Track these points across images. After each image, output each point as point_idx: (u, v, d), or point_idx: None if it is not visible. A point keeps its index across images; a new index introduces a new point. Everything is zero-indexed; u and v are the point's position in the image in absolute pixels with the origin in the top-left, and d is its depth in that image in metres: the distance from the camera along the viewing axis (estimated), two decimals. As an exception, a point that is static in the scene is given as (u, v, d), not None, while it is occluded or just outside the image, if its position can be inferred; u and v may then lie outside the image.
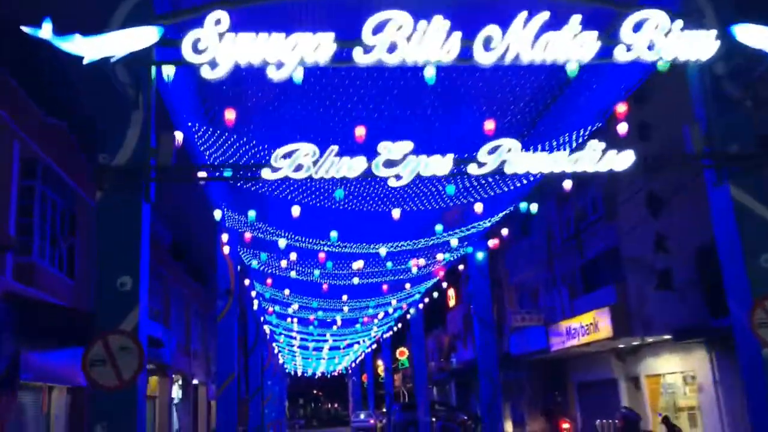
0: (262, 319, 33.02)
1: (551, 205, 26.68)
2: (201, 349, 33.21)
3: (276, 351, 47.38)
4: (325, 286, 21.22)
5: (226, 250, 17.70)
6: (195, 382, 32.00)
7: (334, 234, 14.22)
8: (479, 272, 20.57)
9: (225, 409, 17.61)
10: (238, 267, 18.99)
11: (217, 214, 14.41)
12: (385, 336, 44.17)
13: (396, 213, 12.72)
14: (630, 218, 21.05)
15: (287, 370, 67.57)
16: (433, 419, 32.20)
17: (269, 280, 20.93)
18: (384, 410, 55.69)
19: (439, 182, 12.26)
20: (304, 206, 12.92)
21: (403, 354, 62.27)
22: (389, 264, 19.45)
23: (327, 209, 13.38)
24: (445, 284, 28.62)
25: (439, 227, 15.81)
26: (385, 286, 21.64)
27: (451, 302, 44.91)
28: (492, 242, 18.97)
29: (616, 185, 21.59)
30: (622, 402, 23.66)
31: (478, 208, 13.81)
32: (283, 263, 18.22)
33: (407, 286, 22.68)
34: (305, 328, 32.97)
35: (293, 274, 20.07)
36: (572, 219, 25.17)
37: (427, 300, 31.05)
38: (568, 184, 12.01)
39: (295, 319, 29.05)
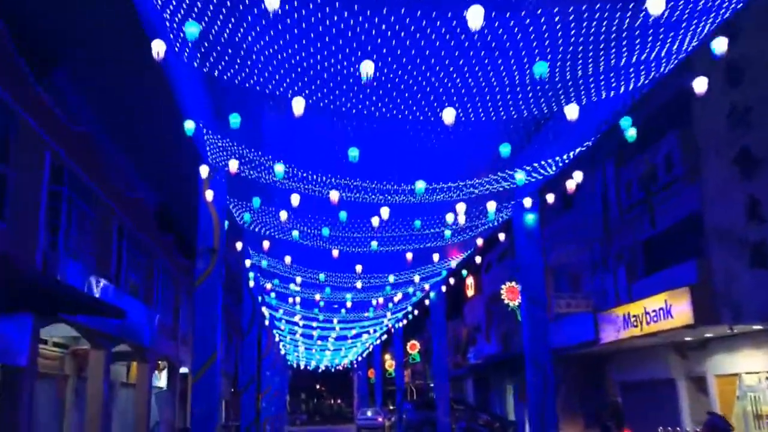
0: (260, 299, 29.03)
1: (609, 167, 22.69)
2: (191, 334, 29.51)
3: (277, 339, 43.54)
4: (335, 252, 17.24)
5: (209, 195, 13.74)
6: (183, 370, 28.30)
7: (353, 153, 10.11)
8: (528, 238, 16.50)
9: (203, 399, 13.62)
10: (226, 222, 15.02)
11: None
12: (397, 326, 40.21)
13: (449, 116, 8.61)
14: (717, 179, 17.05)
15: (289, 362, 64.41)
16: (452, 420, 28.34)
17: (266, 243, 16.99)
18: (392, 407, 52.25)
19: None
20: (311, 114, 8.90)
21: (414, 348, 58.60)
22: (417, 223, 15.46)
23: (343, 124, 9.39)
24: (464, 272, 26.30)
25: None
26: (409, 255, 17.63)
27: (470, 292, 41.30)
28: (549, 197, 14.94)
29: (700, 137, 17.64)
30: (682, 406, 20.33)
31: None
32: (283, 215, 14.25)
33: (435, 257, 18.61)
34: (309, 311, 29.00)
35: (295, 234, 16.11)
36: (635, 183, 21.09)
37: (444, 288, 27.28)
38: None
39: (298, 299, 25.02)
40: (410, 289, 24.00)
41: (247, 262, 20.44)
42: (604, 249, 23.35)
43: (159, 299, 25.13)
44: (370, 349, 56.51)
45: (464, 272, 26.45)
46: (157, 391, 27.21)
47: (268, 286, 23.42)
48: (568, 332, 23.75)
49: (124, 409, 24.34)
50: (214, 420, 13.77)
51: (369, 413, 46.73)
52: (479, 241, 18.42)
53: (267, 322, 35.24)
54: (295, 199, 12.73)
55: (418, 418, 33.90)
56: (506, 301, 29.19)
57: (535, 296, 16.29)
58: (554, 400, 15.88)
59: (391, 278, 20.52)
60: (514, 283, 29.44)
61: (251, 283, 24.71)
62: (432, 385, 57.21)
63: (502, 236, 19.99)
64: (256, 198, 14.09)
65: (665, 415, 20.87)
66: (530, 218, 16.53)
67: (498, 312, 35.57)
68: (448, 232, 16.36)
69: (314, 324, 35.21)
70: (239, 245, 18.09)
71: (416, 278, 21.32)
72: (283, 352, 52.25)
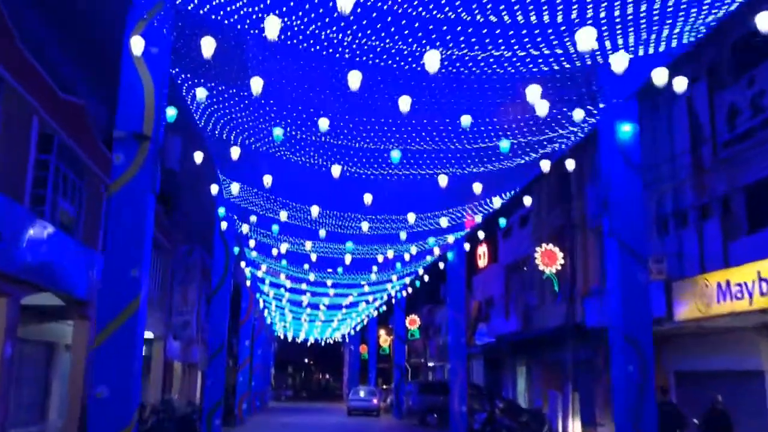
0: (236, 250, 24.03)
1: (698, 92, 17.49)
2: (158, 294, 25.09)
3: (261, 305, 38.55)
4: (335, 171, 11.96)
5: (137, 45, 8.46)
6: (148, 335, 23.32)
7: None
8: (624, 158, 11.28)
9: (115, 369, 8.41)
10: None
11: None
12: (401, 295, 35.70)
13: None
14: None
15: (275, 333, 59.98)
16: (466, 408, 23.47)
17: (235, 151, 11.75)
18: (385, 387, 47.65)
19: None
20: None
21: (413, 323, 53.84)
22: (465, 120, 10.18)
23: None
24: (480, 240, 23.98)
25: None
26: (443, 180, 12.40)
27: (481, 262, 37.51)
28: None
29: None
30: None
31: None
32: (256, 87, 9.02)
33: (477, 188, 13.17)
34: (299, 268, 23.89)
35: (278, 134, 10.84)
36: (743, 108, 15.85)
37: (467, 246, 22.22)
38: None
39: (284, 247, 19.81)
40: (431, 241, 18.65)
41: (214, 188, 15.08)
42: (686, 197, 18.23)
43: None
44: (365, 322, 51.81)
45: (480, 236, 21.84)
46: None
47: (245, 228, 18.13)
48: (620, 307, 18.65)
49: (63, 372, 19.70)
50: (130, 398, 8.54)
51: (362, 393, 40.61)
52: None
53: (249, 283, 30.29)
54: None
55: (423, 403, 29.67)
56: (541, 267, 24.10)
57: (632, 245, 11.11)
58: (653, 397, 10.82)
59: (412, 218, 15.16)
60: (551, 246, 24.42)
61: (223, 225, 19.53)
62: (432, 365, 53.94)
63: (527, 200, 16.20)
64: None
65: (746, 416, 15.96)
66: (626, 130, 11.34)
67: (518, 283, 31.57)
68: (505, 144, 11.12)
69: (304, 286, 30.44)
70: (199, 156, 12.81)
71: (443, 222, 16.06)
72: (269, 321, 47.34)
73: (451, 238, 19.61)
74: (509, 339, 30.19)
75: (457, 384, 22.54)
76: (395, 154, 11.51)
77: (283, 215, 15.43)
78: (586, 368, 23.79)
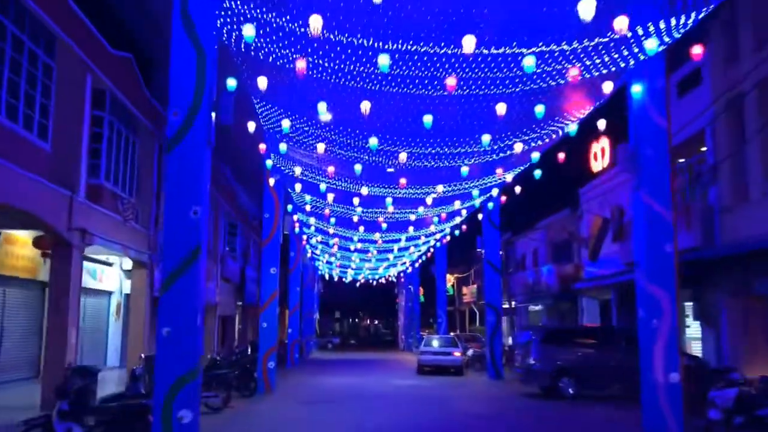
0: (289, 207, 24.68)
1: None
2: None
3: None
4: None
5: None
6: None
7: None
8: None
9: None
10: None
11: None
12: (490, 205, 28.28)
13: None
14: None
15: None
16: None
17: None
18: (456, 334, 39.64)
19: None
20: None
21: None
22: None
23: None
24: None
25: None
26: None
27: (597, 164, 29.91)
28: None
29: None
30: None
31: None
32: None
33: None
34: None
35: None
36: None
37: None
38: None
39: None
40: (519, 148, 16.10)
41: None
42: None
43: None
44: (431, 254, 44.26)
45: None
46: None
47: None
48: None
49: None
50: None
51: (435, 343, 31.13)
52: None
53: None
54: None
55: (551, 361, 20.25)
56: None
57: None
58: None
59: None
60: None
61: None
62: (512, 305, 43.17)
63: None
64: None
65: None
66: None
67: (683, 178, 22.54)
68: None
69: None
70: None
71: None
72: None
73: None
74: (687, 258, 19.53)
75: (656, 331, 12.79)
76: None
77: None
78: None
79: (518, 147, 15.66)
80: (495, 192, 24.11)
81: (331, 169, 17.16)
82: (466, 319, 62.06)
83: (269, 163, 18.47)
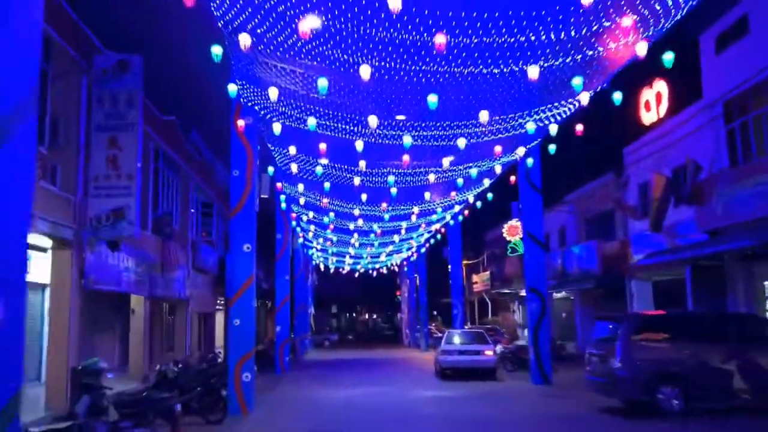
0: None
1: None
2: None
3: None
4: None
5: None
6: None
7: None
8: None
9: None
10: None
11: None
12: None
13: None
14: None
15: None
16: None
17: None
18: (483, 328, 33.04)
19: None
20: None
21: (514, 231, 38.22)
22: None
23: None
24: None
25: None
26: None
27: (650, 115, 25.43)
28: None
29: None
30: None
31: None
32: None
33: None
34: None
35: None
36: None
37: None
38: None
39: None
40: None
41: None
42: None
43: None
44: (441, 233, 38.61)
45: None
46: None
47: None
48: None
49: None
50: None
51: (458, 340, 24.96)
52: None
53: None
54: None
55: (649, 365, 14.23)
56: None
57: None
58: None
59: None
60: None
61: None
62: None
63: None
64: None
65: None
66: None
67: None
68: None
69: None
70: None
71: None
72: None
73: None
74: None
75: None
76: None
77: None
78: None
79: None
80: (535, 144, 19.16)
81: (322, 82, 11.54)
82: (475, 309, 56.42)
83: (233, 89, 12.80)
